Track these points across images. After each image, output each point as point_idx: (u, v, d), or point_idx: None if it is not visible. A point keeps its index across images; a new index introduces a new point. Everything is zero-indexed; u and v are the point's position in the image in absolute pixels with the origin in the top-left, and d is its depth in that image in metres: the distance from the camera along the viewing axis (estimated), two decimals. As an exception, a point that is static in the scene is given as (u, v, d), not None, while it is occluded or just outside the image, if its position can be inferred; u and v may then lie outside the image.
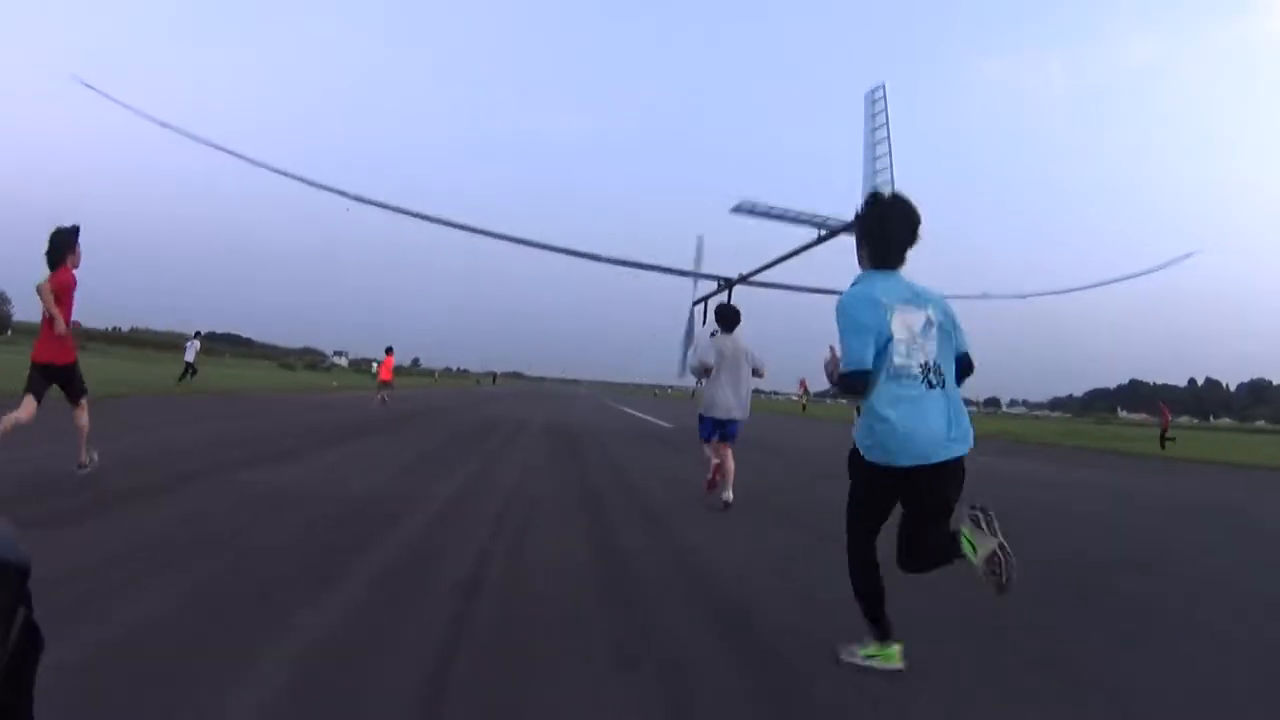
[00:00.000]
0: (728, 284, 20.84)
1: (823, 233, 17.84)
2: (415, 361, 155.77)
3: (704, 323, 21.54)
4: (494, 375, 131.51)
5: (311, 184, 22.10)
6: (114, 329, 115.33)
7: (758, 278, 20.28)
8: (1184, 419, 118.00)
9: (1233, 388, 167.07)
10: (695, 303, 22.92)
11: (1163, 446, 25.67)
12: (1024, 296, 27.70)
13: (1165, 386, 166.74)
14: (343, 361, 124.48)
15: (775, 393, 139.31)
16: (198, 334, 27.39)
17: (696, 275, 22.23)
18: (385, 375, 20.51)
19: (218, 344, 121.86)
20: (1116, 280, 27.50)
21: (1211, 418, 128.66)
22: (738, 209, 18.65)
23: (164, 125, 20.61)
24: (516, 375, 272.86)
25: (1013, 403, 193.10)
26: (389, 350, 20.90)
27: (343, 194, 21.80)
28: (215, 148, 21.40)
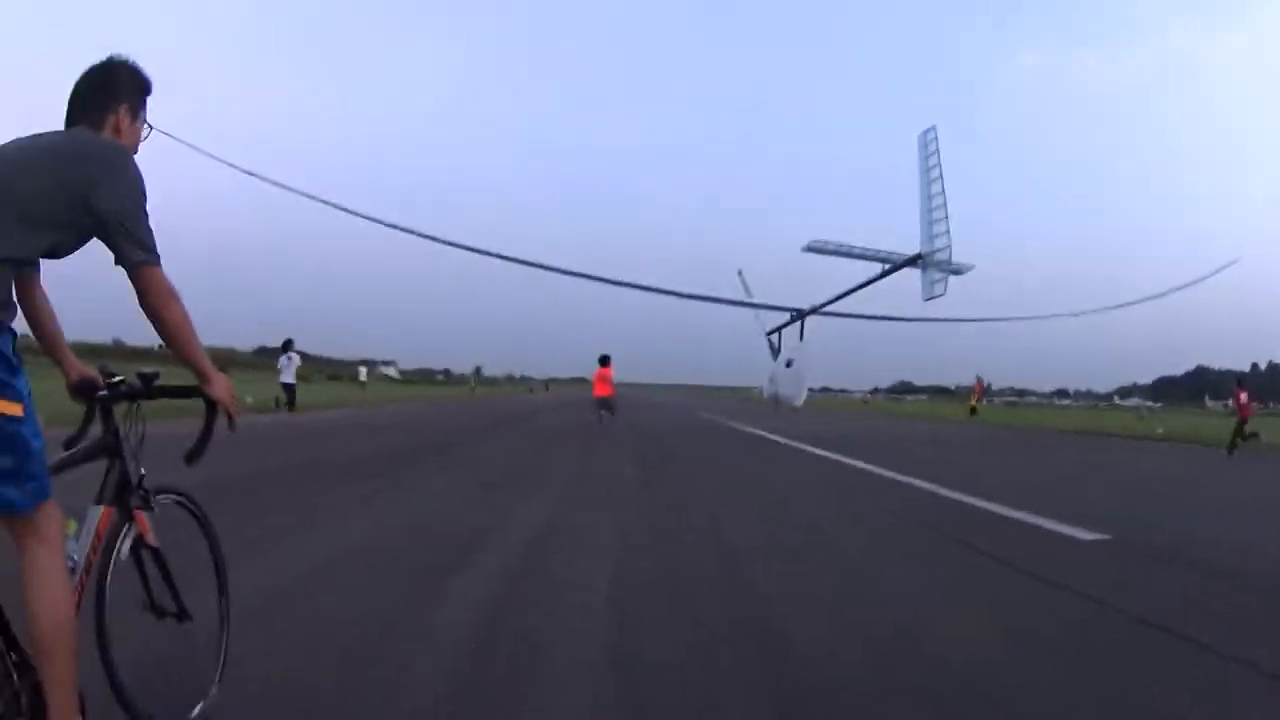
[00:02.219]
0: (800, 315, 22.11)
1: (886, 267, 19.02)
2: (478, 370, 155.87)
3: (776, 351, 23.34)
4: (546, 383, 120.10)
5: (393, 226, 23.75)
6: (160, 346, 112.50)
7: (828, 309, 21.86)
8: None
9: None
10: (770, 332, 24.69)
11: (1238, 441, 17.95)
12: (1076, 315, 31.03)
13: (1231, 372, 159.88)
14: (392, 371, 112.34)
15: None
16: (289, 344, 20.33)
17: (769, 308, 23.52)
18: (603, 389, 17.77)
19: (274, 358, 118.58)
20: (1163, 294, 29.75)
21: None
22: (809, 248, 19.86)
23: (249, 174, 22.07)
24: (580, 380, 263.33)
25: (1077, 394, 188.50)
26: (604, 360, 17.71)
27: (430, 237, 23.89)
28: (308, 196, 22.97)
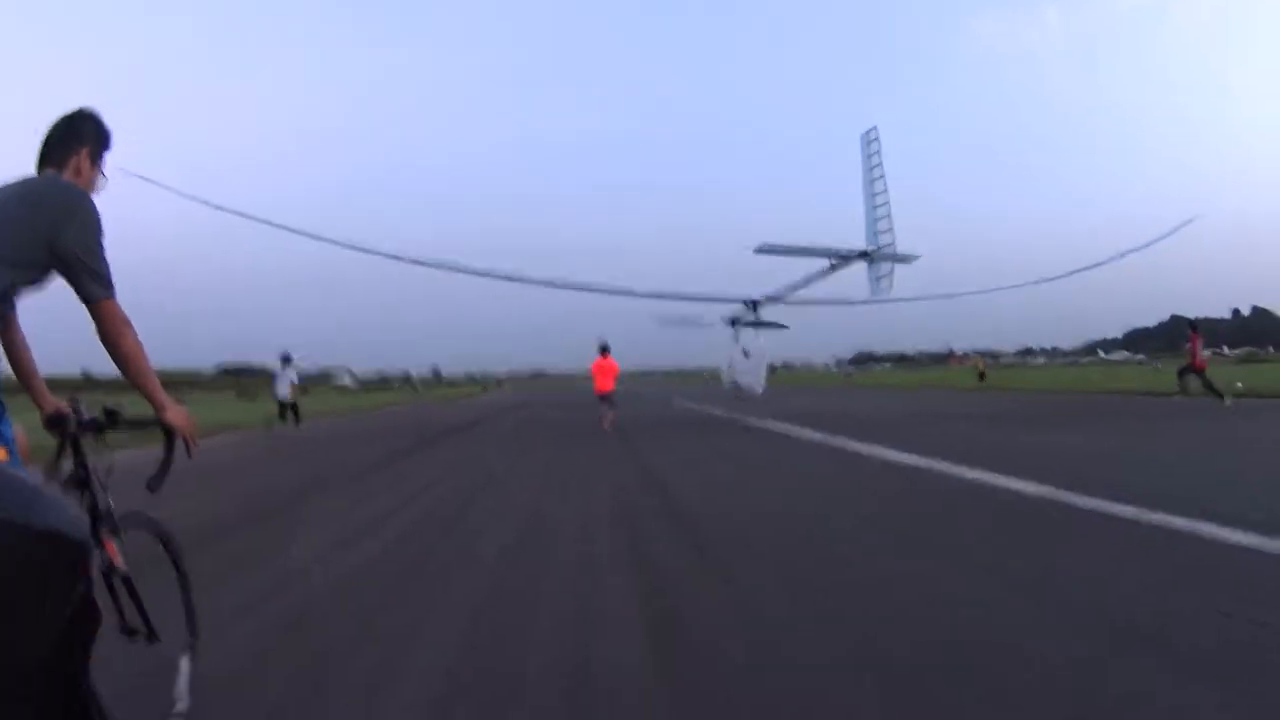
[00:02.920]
0: (754, 305, 23.47)
1: (834, 262, 19.69)
2: (435, 372, 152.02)
3: (735, 340, 24.67)
4: (499, 381, 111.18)
5: (357, 249, 24.26)
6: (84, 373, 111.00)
7: (783, 299, 23.65)
8: (1239, 350, 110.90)
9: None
10: (727, 321, 25.69)
11: (1213, 389, 17.16)
12: (1037, 283, 30.28)
13: (1208, 320, 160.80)
14: (347, 380, 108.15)
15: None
16: (288, 358, 18.58)
17: (723, 300, 24.67)
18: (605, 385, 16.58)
19: (235, 376, 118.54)
20: (1120, 256, 28.47)
21: (1275, 348, 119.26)
22: (761, 249, 20.19)
23: (219, 208, 22.82)
24: (540, 375, 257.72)
25: (1043, 351, 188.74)
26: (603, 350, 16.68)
27: (394, 257, 23.52)
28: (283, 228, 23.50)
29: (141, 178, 19.07)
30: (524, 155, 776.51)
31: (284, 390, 18.14)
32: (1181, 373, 18.23)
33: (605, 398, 16.42)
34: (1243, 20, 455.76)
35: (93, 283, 1.98)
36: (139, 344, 2.03)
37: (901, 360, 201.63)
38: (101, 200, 2.17)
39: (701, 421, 18.06)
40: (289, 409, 18.15)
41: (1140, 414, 15.82)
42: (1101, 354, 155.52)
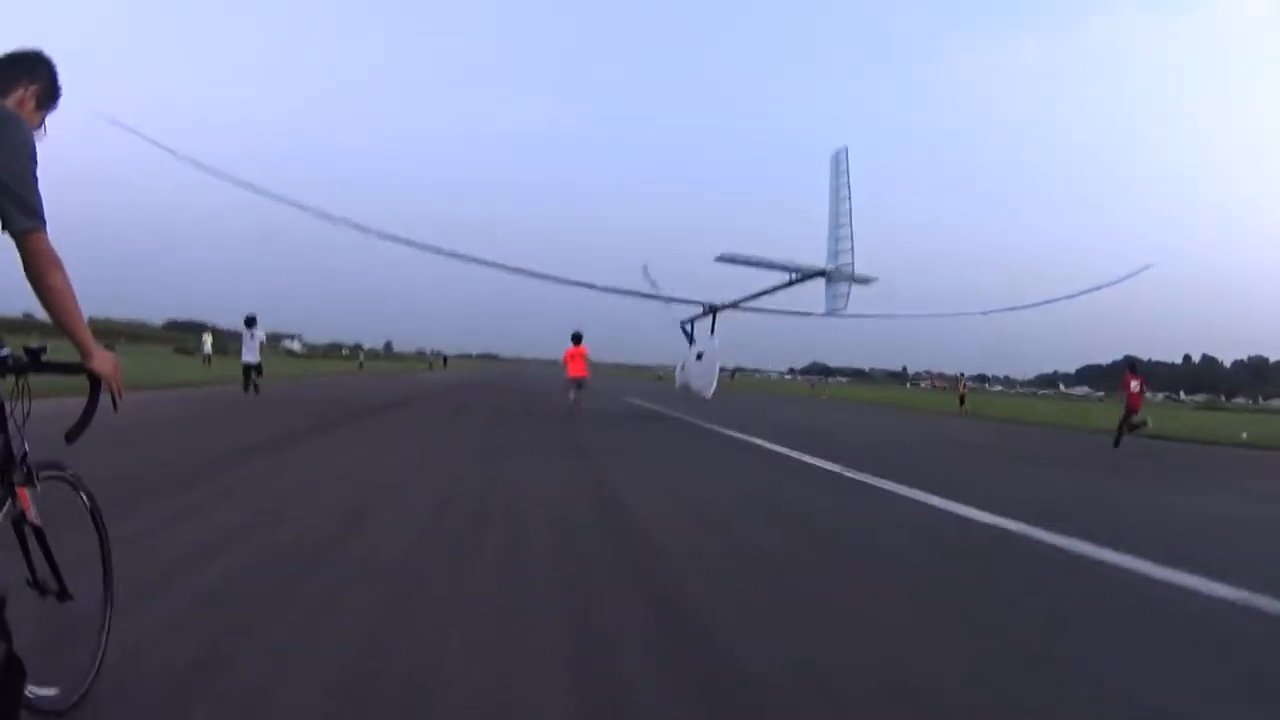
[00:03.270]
0: (712, 309, 23.40)
1: (794, 276, 20.04)
2: (388, 345, 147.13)
3: (690, 341, 24.89)
4: (444, 357, 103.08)
5: (328, 217, 22.45)
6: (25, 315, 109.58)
7: (740, 305, 23.59)
8: (1198, 396, 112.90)
9: (1228, 364, 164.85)
10: (684, 321, 25.89)
11: (1123, 431, 17.30)
12: (985, 314, 29.90)
13: (1160, 364, 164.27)
14: (295, 345, 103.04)
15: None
16: (252, 320, 18.51)
17: (682, 301, 25.09)
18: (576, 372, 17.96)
19: (183, 332, 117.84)
20: (1074, 295, 28.87)
21: (1225, 397, 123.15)
22: (721, 258, 20.84)
23: (198, 165, 21.14)
24: (490, 357, 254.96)
25: (998, 380, 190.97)
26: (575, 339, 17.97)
27: (361, 228, 22.37)
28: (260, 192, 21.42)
29: (132, 130, 18.90)
30: (491, 144, 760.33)
31: (250, 353, 18.27)
32: (1124, 420, 17.67)
33: (578, 383, 17.67)
34: (1217, 61, 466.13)
35: (20, 212, 1.85)
36: (67, 283, 1.91)
37: (858, 375, 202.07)
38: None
39: (682, 433, 15.23)
40: (253, 370, 18.21)
41: (1195, 463, 14.15)
42: (1062, 388, 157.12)
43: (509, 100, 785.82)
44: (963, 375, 45.11)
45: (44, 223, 1.88)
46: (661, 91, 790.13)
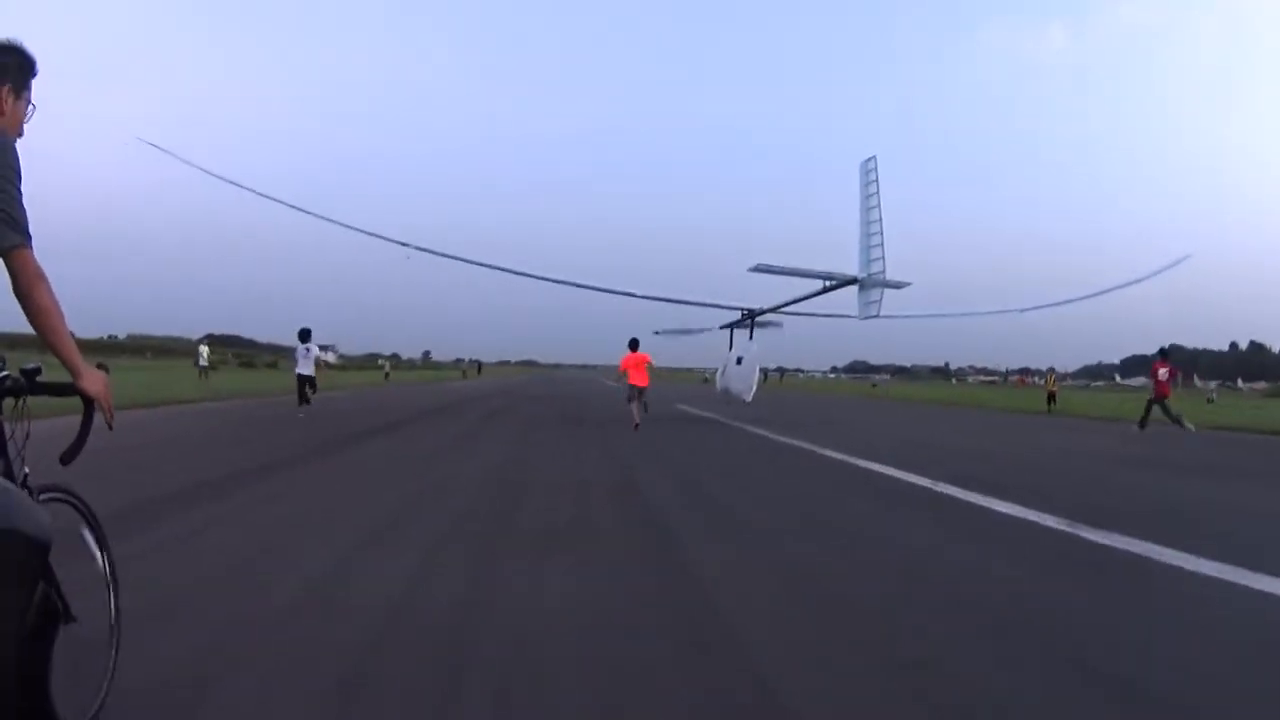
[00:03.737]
0: (751, 315, 24.01)
1: (828, 284, 20.40)
2: (426, 355, 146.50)
3: (730, 346, 25.03)
4: (478, 364, 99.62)
5: (371, 234, 22.83)
6: (110, 337, 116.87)
7: (780, 310, 24.41)
8: (1258, 384, 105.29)
9: (1277, 350, 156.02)
10: (723, 326, 26.14)
11: (1147, 418, 18.31)
12: (1023, 310, 29.92)
13: (1207, 351, 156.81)
14: (329, 356, 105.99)
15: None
16: (307, 333, 18.52)
17: (723, 307, 25.01)
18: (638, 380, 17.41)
19: (219, 345, 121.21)
20: (1109, 290, 29.17)
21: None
22: (756, 268, 21.20)
23: (233, 184, 21.65)
24: (530, 364, 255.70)
25: (1041, 373, 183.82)
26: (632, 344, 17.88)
27: (401, 244, 22.48)
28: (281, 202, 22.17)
29: (161, 149, 20.30)
30: (526, 149, 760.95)
31: (305, 366, 18.50)
32: (1149, 406, 18.45)
33: (637, 391, 17.09)
34: (1251, 44, 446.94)
35: (5, 228, 1.82)
36: (54, 300, 1.87)
37: (901, 372, 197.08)
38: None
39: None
40: (308, 384, 18.33)
41: None
42: (1118, 379, 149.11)
43: (544, 104, 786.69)
44: (1053, 371, 37.79)
45: (29, 238, 1.86)
46: (694, 101, 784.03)
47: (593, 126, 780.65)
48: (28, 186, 1.88)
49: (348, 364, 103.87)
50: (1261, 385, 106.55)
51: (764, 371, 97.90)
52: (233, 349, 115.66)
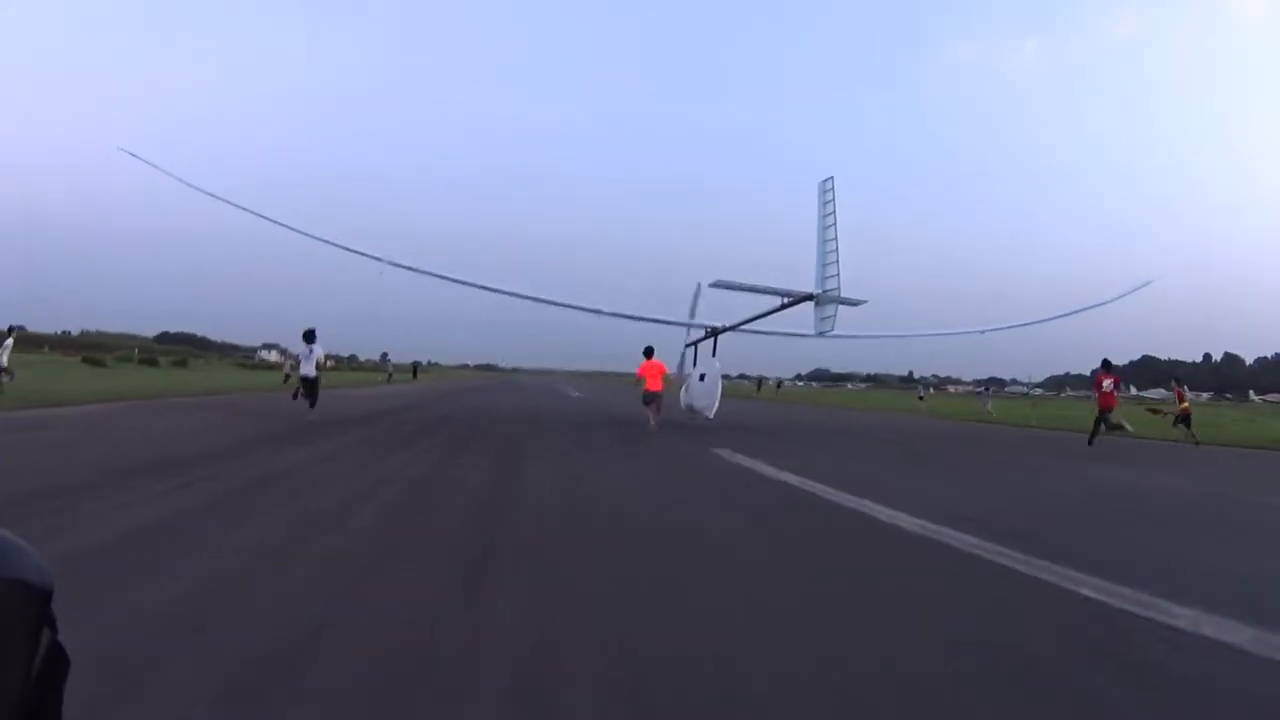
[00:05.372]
0: (714, 332, 24.05)
1: (786, 301, 21.17)
2: (384, 356, 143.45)
3: (694, 363, 24.87)
4: (414, 366, 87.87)
5: (347, 249, 22.79)
6: (64, 333, 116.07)
7: (741, 328, 24.35)
8: (1273, 396, 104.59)
9: (1250, 361, 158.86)
10: (689, 344, 26.24)
11: (1099, 431, 18.61)
12: (983, 332, 30.35)
13: (1178, 362, 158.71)
14: (272, 356, 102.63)
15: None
16: (311, 334, 18.63)
17: (690, 325, 25.72)
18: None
19: (172, 344, 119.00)
20: (1075, 312, 29.98)
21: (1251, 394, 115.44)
22: (716, 284, 22.13)
23: (212, 195, 21.85)
24: (489, 368, 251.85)
25: (998, 382, 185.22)
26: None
27: (375, 258, 22.78)
28: (268, 220, 22.03)
29: (147, 162, 20.50)
30: (500, 141, 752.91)
31: (308, 366, 18.40)
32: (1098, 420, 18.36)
33: (653, 397, 19.08)
34: (1226, 59, 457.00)
35: None
36: None
37: (870, 380, 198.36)
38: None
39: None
40: (312, 384, 18.22)
41: None
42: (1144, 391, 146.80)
43: (523, 98, 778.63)
44: (1178, 384, 22.92)
45: None
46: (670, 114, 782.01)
47: (575, 124, 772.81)
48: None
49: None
50: (1275, 396, 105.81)
51: (758, 380, 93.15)
52: (189, 348, 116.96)
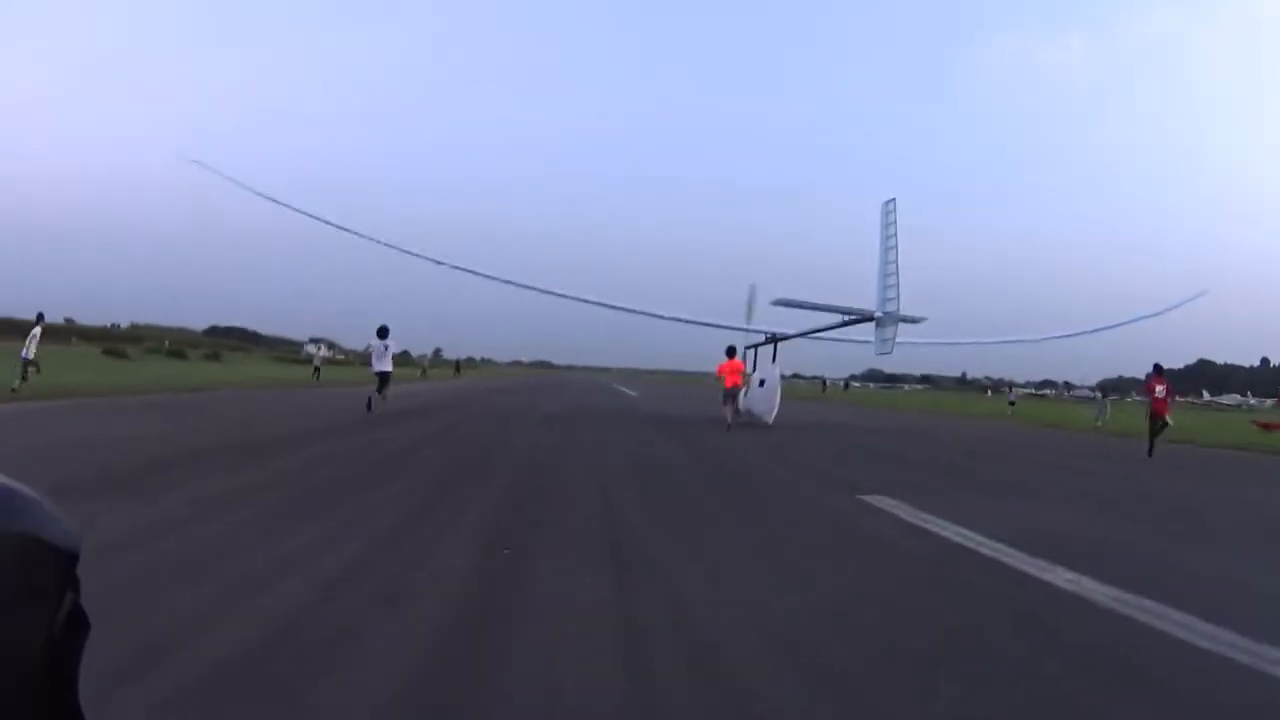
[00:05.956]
0: (774, 339, 24.73)
1: (846, 319, 21.83)
2: (437, 352, 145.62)
3: (754, 368, 24.96)
4: (456, 363, 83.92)
5: (406, 252, 24.61)
6: (113, 325, 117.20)
7: (796, 337, 25.32)
8: None
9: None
10: (748, 347, 26.09)
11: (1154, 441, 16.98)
12: (1038, 340, 30.75)
13: (1234, 367, 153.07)
14: (321, 350, 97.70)
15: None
16: (385, 330, 19.10)
17: (749, 330, 25.62)
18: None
19: (222, 338, 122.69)
20: (1127, 323, 30.16)
21: None
22: (777, 302, 22.73)
23: (272, 200, 23.56)
24: (544, 364, 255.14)
25: (1068, 385, 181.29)
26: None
27: (437, 262, 24.25)
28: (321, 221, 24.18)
29: (215, 171, 22.56)
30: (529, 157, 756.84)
31: (383, 363, 18.63)
32: (1152, 428, 17.32)
33: (731, 393, 20.07)
34: (1271, 50, 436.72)
35: None
36: None
37: (925, 381, 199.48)
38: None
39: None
40: (386, 378, 18.54)
41: None
42: (1207, 396, 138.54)
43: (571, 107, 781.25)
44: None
45: None
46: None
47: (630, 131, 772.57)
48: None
49: (352, 361, 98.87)
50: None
51: (822, 382, 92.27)
52: (233, 339, 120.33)
